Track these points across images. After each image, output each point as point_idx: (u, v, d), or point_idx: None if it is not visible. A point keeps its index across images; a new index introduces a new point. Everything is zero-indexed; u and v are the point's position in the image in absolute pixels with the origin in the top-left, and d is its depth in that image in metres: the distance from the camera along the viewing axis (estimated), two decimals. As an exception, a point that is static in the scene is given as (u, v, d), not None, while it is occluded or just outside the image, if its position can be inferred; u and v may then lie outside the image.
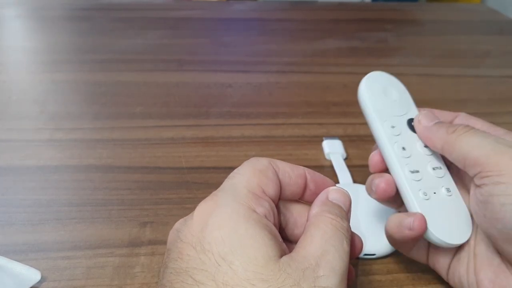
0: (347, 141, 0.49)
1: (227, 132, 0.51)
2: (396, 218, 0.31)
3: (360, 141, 0.50)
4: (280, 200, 0.28)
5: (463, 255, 0.31)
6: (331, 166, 0.45)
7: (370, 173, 0.45)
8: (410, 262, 0.35)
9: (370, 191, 0.33)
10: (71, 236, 0.37)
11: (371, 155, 0.34)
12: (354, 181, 0.42)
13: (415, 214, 0.30)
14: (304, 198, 0.29)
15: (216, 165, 0.45)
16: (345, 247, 0.24)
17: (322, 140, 0.49)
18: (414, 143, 0.33)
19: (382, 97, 0.34)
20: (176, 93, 0.58)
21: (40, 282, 0.32)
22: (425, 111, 0.34)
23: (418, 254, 0.33)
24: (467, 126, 0.31)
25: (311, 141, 0.50)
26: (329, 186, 0.29)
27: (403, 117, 0.34)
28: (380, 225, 0.37)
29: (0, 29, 0.80)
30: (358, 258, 0.35)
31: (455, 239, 0.30)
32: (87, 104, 0.56)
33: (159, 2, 0.94)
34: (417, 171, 0.31)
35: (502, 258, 0.29)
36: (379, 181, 0.32)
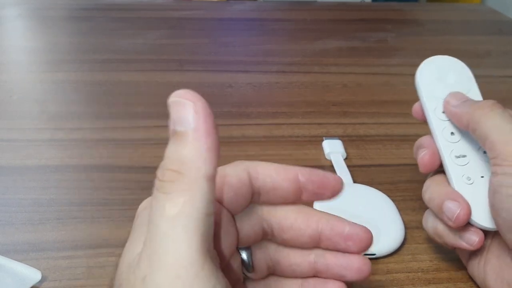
0: (347, 141, 0.49)
1: (228, 132, 0.51)
2: (440, 199, 0.31)
3: (360, 141, 0.50)
4: (264, 206, 0.25)
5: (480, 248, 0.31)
6: (331, 166, 0.45)
7: (370, 173, 0.45)
8: (410, 262, 0.35)
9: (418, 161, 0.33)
10: (71, 235, 0.37)
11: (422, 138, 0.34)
12: (354, 181, 0.43)
13: (460, 203, 0.30)
14: (302, 199, 0.26)
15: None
16: None
17: (322, 140, 0.49)
18: None
19: (438, 82, 0.34)
20: (176, 93, 0.58)
21: (40, 281, 0.32)
22: (455, 92, 0.33)
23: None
24: (495, 103, 0.30)
25: (311, 141, 0.50)
26: (331, 182, 0.25)
27: None
28: (380, 225, 0.37)
29: (1, 29, 0.80)
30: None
31: (491, 223, 0.30)
32: (88, 104, 0.56)
33: (159, 2, 0.94)
34: (464, 156, 0.32)
35: (509, 251, 0.29)
36: (422, 151, 0.33)
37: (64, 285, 0.32)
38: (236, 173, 0.24)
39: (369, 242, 0.26)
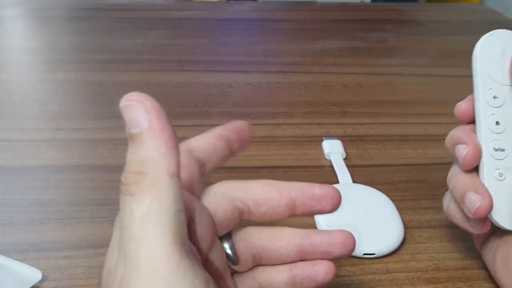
0: (347, 141, 0.49)
1: (227, 132, 0.51)
2: (463, 189, 0.30)
3: (360, 141, 0.50)
4: (235, 187, 0.26)
5: (494, 234, 0.31)
6: (331, 166, 0.45)
7: (370, 173, 0.45)
8: (409, 261, 0.35)
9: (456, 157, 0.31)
10: (72, 235, 0.37)
11: (459, 103, 0.32)
12: (354, 181, 0.43)
13: (483, 195, 0.29)
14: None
15: (216, 165, 0.45)
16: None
17: (322, 140, 0.49)
18: None
19: (497, 61, 0.30)
20: (176, 93, 0.58)
21: (41, 281, 0.32)
22: None
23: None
24: None
25: (311, 141, 0.50)
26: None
27: None
28: (380, 224, 0.37)
29: (1, 29, 0.80)
30: (358, 258, 0.35)
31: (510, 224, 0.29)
32: (88, 104, 0.56)
33: (159, 3, 0.94)
34: (503, 150, 0.30)
35: None
36: (465, 148, 0.30)
37: (65, 285, 0.32)
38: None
39: (340, 199, 0.27)
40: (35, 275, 0.32)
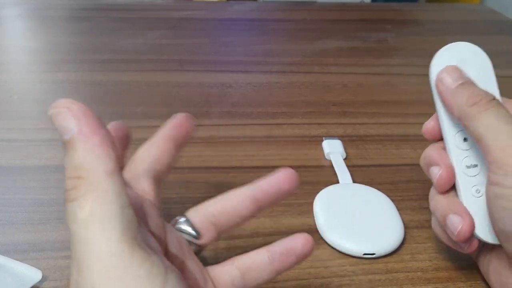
0: (347, 141, 0.49)
1: (228, 132, 0.51)
2: (443, 212, 0.29)
3: (360, 141, 0.50)
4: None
5: (485, 246, 0.31)
6: (331, 166, 0.45)
7: (370, 173, 0.45)
8: (409, 261, 0.35)
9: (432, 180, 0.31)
10: (72, 235, 0.37)
11: (426, 122, 0.31)
12: (354, 181, 0.43)
13: (463, 216, 0.29)
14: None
15: (216, 165, 0.45)
16: None
17: (322, 140, 0.49)
18: None
19: None
20: (176, 93, 0.58)
21: (41, 281, 0.32)
22: (452, 67, 0.29)
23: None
24: (493, 100, 0.27)
25: (311, 141, 0.50)
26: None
27: None
28: (380, 224, 0.37)
29: (1, 29, 0.80)
30: (358, 258, 0.35)
31: (494, 238, 0.29)
32: (88, 104, 0.55)
33: (159, 3, 0.94)
34: (475, 165, 0.29)
35: (506, 257, 0.29)
36: (438, 170, 0.29)
37: (65, 285, 0.32)
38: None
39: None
40: (35, 275, 0.32)
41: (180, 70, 0.65)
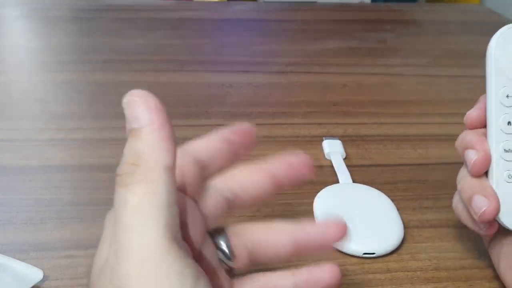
0: (347, 141, 0.49)
1: (228, 132, 0.51)
2: (470, 191, 0.29)
3: (360, 141, 0.50)
4: (218, 176, 0.26)
5: (501, 232, 0.31)
6: (331, 166, 0.45)
7: (370, 173, 0.46)
8: (409, 261, 0.35)
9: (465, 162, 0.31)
10: (72, 235, 0.37)
11: (471, 111, 0.31)
12: (354, 181, 0.43)
13: (490, 198, 0.29)
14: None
15: (216, 164, 0.45)
16: None
17: (322, 140, 0.49)
18: None
19: None
20: (176, 93, 0.58)
21: (42, 281, 0.32)
22: None
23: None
24: None
25: (311, 141, 0.50)
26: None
27: None
28: (380, 224, 0.37)
29: (2, 29, 0.80)
30: (358, 257, 0.35)
31: None
32: (89, 104, 0.56)
33: (160, 3, 0.94)
34: None
35: None
36: (475, 154, 0.30)
37: (66, 284, 0.33)
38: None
39: (310, 162, 0.27)
40: (36, 274, 0.32)
41: (180, 70, 0.65)
